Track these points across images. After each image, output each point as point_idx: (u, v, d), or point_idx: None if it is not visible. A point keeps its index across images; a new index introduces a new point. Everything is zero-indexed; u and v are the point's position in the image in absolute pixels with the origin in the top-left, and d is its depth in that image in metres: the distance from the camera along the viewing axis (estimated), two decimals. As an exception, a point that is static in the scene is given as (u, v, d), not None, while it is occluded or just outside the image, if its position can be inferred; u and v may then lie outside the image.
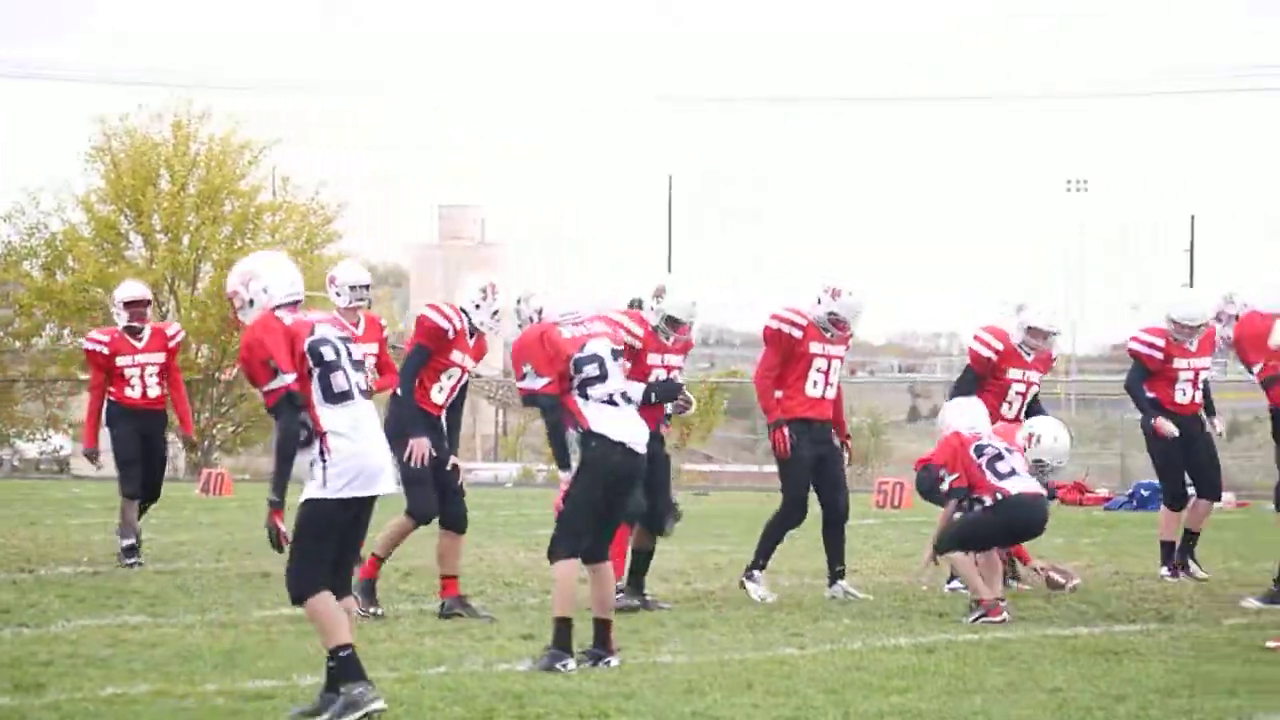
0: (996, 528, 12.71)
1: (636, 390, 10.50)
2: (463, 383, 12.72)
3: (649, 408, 11.94)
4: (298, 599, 8.60)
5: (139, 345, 16.40)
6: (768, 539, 13.88)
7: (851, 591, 13.84)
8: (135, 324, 16.40)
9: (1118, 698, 9.35)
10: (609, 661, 10.26)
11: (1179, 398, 15.38)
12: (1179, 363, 15.33)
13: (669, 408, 12.58)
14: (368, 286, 14.38)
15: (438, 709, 8.83)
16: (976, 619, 12.33)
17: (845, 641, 11.41)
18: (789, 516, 13.82)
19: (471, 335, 12.66)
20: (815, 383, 13.78)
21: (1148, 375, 15.37)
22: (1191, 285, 53.33)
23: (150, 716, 8.66)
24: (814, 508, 13.84)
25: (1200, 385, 15.45)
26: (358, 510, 8.69)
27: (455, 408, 12.75)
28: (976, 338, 14.79)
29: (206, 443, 42.51)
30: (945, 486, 12.81)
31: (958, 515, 12.78)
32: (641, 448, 10.39)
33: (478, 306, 12.60)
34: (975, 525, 12.68)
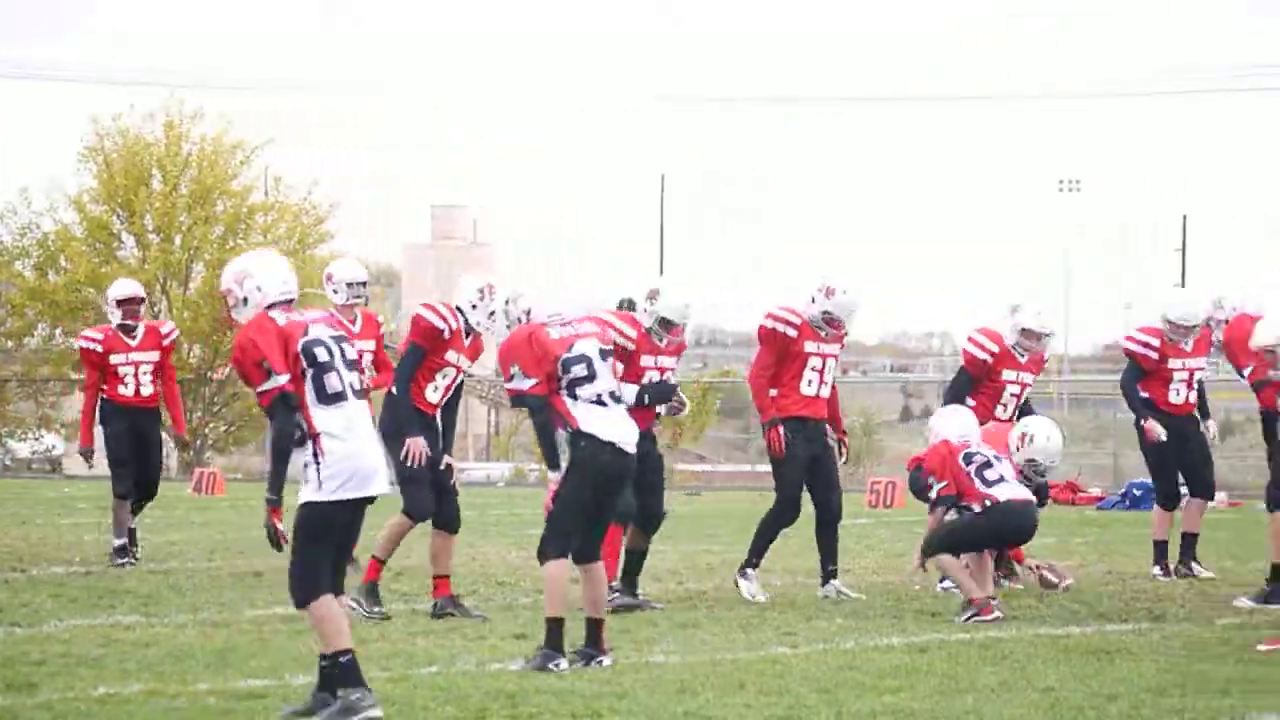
0: (985, 533, 12.73)
1: (631, 392, 10.50)
2: (458, 382, 12.73)
3: (642, 409, 11.96)
4: (301, 603, 8.60)
5: (133, 343, 16.38)
6: (761, 537, 13.89)
7: (844, 591, 13.85)
8: (129, 322, 16.38)
9: (1110, 697, 9.36)
10: (601, 661, 10.27)
11: (1173, 398, 15.38)
12: (1174, 363, 15.34)
13: (662, 410, 12.58)
14: (365, 283, 14.39)
15: (430, 709, 8.82)
16: (969, 618, 12.33)
17: (838, 641, 11.41)
18: (782, 515, 13.83)
19: (467, 335, 12.67)
20: (810, 381, 13.79)
21: (1142, 375, 15.38)
22: (1183, 285, 53.30)
23: (143, 716, 8.65)
24: (807, 507, 13.85)
25: (1195, 386, 15.46)
26: (353, 511, 8.69)
27: (450, 407, 12.75)
28: (971, 340, 14.81)
29: (199, 442, 42.45)
30: (933, 495, 12.83)
31: (948, 518, 12.80)
32: (631, 447, 10.39)
33: (474, 306, 12.60)
34: (964, 530, 12.69)
